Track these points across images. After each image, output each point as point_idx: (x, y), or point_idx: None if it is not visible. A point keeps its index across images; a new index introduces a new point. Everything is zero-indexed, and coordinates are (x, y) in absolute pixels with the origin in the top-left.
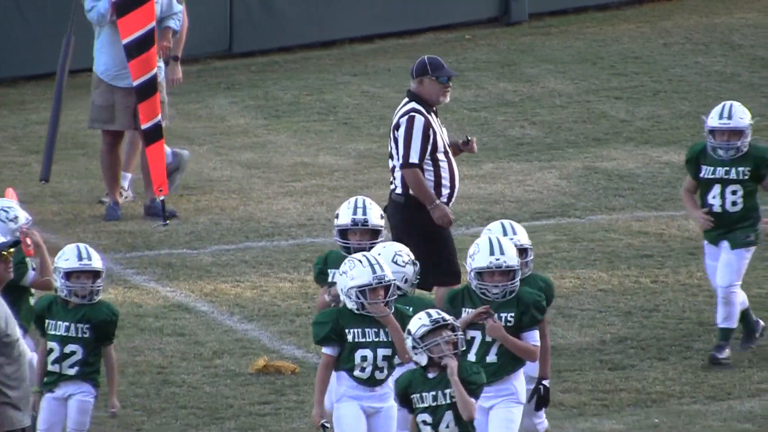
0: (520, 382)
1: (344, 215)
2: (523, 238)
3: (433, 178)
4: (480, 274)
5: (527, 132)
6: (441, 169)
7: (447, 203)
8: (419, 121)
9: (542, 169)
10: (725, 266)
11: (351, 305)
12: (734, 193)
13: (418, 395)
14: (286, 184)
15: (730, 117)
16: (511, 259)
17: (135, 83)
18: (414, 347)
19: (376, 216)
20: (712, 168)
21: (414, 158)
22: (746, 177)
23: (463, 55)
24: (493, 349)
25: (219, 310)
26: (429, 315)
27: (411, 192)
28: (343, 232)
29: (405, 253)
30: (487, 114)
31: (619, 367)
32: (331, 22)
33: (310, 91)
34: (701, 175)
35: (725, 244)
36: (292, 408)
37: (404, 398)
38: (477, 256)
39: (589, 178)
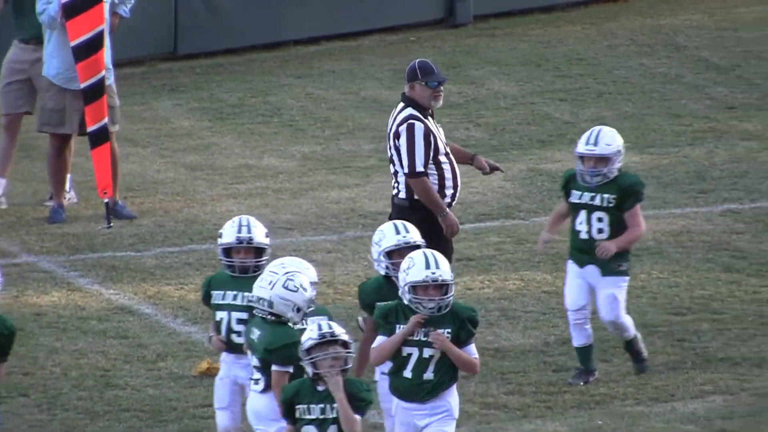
0: (454, 399)
1: (228, 234)
2: (416, 236)
3: (437, 181)
4: (414, 288)
5: (472, 134)
6: (444, 171)
7: (451, 203)
8: (419, 129)
9: None
10: (609, 302)
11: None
12: (600, 220)
13: (305, 406)
14: (231, 186)
15: (596, 143)
16: (446, 273)
17: (83, 85)
18: (302, 359)
19: (260, 234)
20: (579, 193)
21: (419, 167)
22: (611, 204)
23: (408, 57)
24: (431, 366)
25: (163, 313)
26: (320, 328)
27: (415, 197)
28: (227, 251)
29: (298, 278)
30: None
31: (563, 368)
32: (276, 24)
33: (255, 93)
34: (570, 199)
35: (592, 269)
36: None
37: (289, 408)
38: (411, 270)
39: (534, 180)
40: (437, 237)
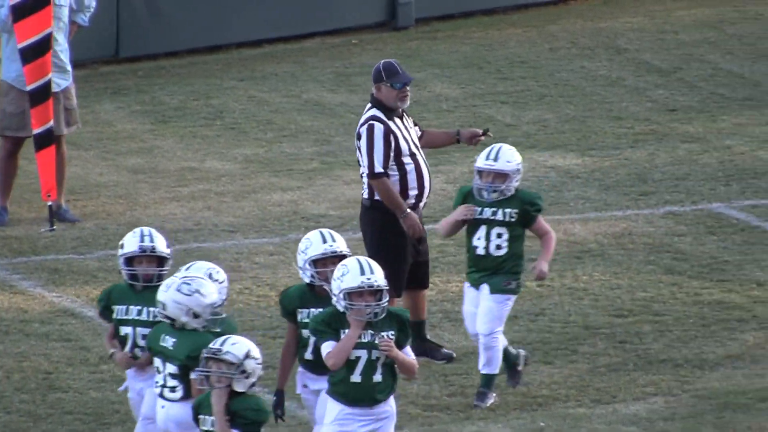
0: (394, 402)
1: (130, 243)
2: (342, 245)
3: (399, 182)
4: (350, 294)
5: None
6: (407, 172)
7: (416, 205)
8: (378, 130)
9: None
10: (486, 313)
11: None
12: (499, 236)
13: (203, 417)
14: (173, 189)
15: (496, 159)
16: (380, 278)
17: (29, 88)
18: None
19: (162, 244)
20: (479, 209)
21: (378, 167)
22: (513, 219)
23: (350, 60)
24: (379, 368)
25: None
26: (214, 342)
27: (376, 197)
28: (129, 260)
29: (196, 282)
30: None
31: (505, 370)
32: (219, 27)
33: (197, 96)
34: None
35: (486, 288)
36: None
37: (195, 418)
38: (346, 277)
39: None
40: (398, 238)
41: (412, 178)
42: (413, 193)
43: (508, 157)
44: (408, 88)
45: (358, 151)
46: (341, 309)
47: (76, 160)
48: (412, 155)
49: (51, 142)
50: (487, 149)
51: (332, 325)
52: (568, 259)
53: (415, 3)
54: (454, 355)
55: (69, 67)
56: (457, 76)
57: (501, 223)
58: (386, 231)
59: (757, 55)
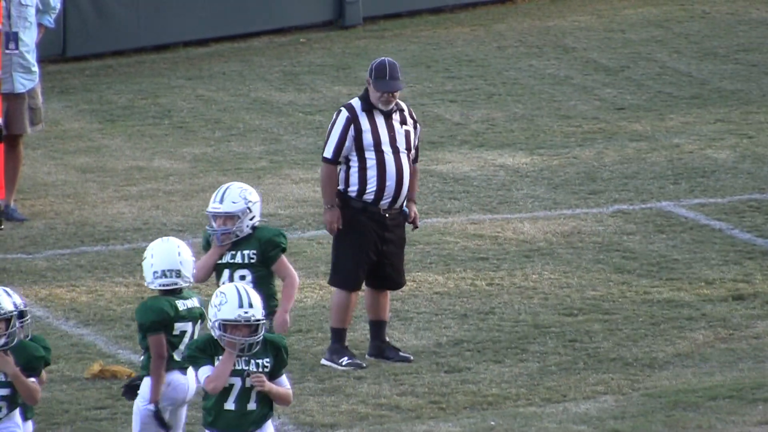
0: (271, 428)
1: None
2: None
3: (357, 173)
4: (224, 325)
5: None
6: (367, 164)
7: (375, 202)
8: (341, 117)
9: None
10: None
11: None
12: (243, 278)
13: None
14: (122, 188)
15: (221, 201)
16: (258, 312)
17: None
18: None
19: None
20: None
21: (327, 153)
22: (253, 260)
23: (298, 59)
24: (253, 396)
25: (54, 315)
26: None
27: (340, 187)
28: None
29: None
30: (322, 117)
31: (455, 369)
32: (165, 26)
33: (145, 95)
34: None
35: None
36: (129, 412)
37: None
38: (224, 307)
39: (425, 182)
40: (355, 233)
41: (372, 174)
42: (371, 188)
43: (234, 197)
44: (392, 94)
45: None
46: (216, 336)
47: (23, 159)
48: (379, 151)
49: (0, 141)
50: (216, 191)
51: (207, 351)
52: (518, 258)
53: (362, 2)
54: (412, 358)
55: (35, 68)
56: (406, 74)
57: (242, 266)
58: (344, 223)
59: (704, 53)
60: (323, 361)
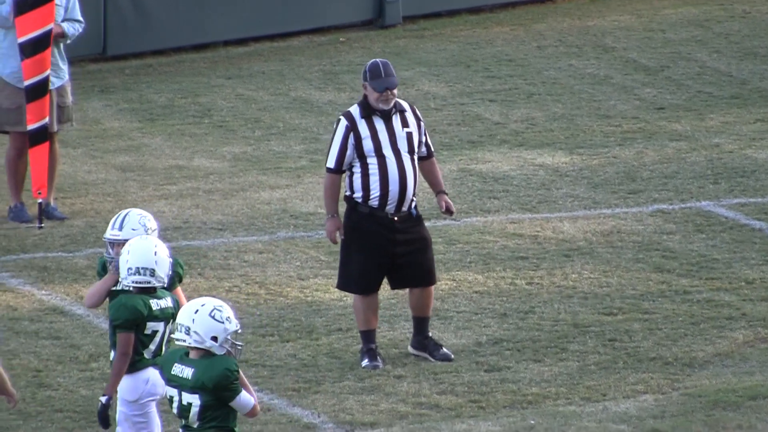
0: None
1: None
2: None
3: (360, 180)
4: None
5: None
6: (369, 170)
7: (381, 207)
8: (341, 127)
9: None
10: None
11: None
12: None
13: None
14: (162, 187)
15: (121, 228)
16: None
17: (26, 83)
18: None
19: None
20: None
21: (330, 163)
22: None
23: (338, 58)
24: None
25: (95, 313)
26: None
27: (347, 192)
28: None
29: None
30: None
31: (494, 368)
32: (205, 25)
33: (185, 94)
34: None
35: None
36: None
37: None
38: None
39: (464, 181)
40: (364, 237)
41: (374, 179)
42: (374, 194)
43: (133, 224)
44: (392, 91)
45: None
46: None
47: (64, 158)
48: (380, 156)
49: (45, 139)
50: (114, 218)
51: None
52: (557, 257)
53: (402, 1)
54: (452, 357)
55: (63, 65)
56: (445, 74)
57: None
58: (351, 227)
59: (744, 53)
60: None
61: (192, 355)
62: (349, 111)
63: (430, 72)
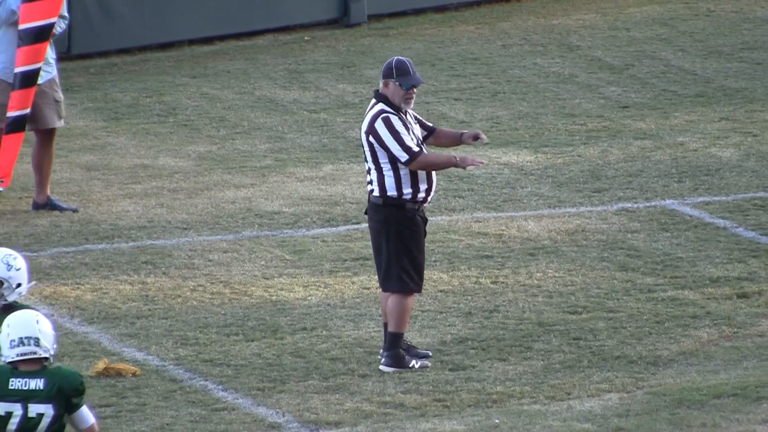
0: None
1: None
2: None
3: (408, 177)
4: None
5: None
6: (402, 172)
7: (426, 199)
8: (395, 120)
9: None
10: None
11: None
12: None
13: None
14: (126, 186)
15: None
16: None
17: (17, 70)
18: None
19: None
20: None
21: (414, 147)
22: None
23: (303, 57)
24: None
25: (59, 313)
26: None
27: (388, 193)
28: None
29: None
30: (327, 116)
31: (459, 367)
32: (170, 24)
33: (150, 93)
34: None
35: None
36: (134, 410)
37: None
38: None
39: None
40: (417, 231)
41: (421, 174)
42: (423, 186)
43: None
44: (415, 90)
45: (366, 146)
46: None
47: (28, 157)
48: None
49: (22, 129)
50: None
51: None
52: (522, 256)
53: (367, 0)
54: (430, 354)
55: (52, 59)
56: None
57: None
58: (404, 226)
59: (708, 51)
60: (385, 368)
61: (25, 368)
62: (385, 109)
63: None
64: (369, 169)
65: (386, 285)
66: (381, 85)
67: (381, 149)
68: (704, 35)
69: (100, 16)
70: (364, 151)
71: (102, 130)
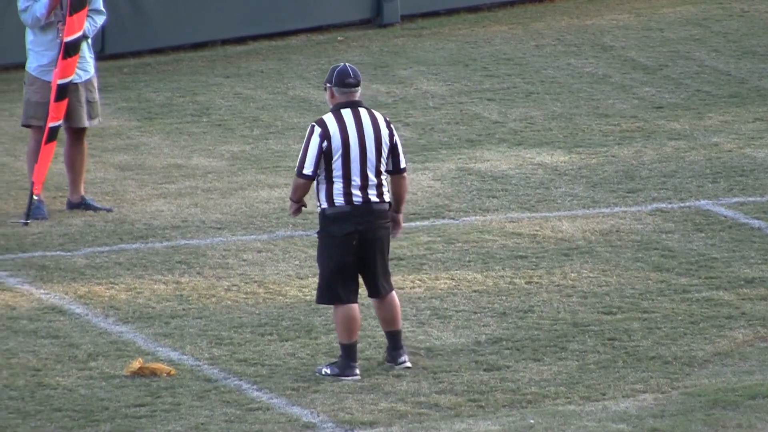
0: None
1: None
2: None
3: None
4: None
5: (401, 133)
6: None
7: None
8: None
9: (416, 170)
10: None
11: None
12: None
13: None
14: (160, 185)
15: None
16: None
17: (60, 81)
18: None
19: None
20: None
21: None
22: None
23: (336, 57)
24: None
25: (93, 313)
26: None
27: (388, 200)
28: None
29: None
30: None
31: (494, 367)
32: (203, 24)
33: (183, 93)
34: None
35: None
36: (168, 410)
37: None
38: None
39: (463, 180)
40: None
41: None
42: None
43: None
44: None
45: (393, 149)
46: None
47: (62, 156)
48: None
49: (55, 138)
50: None
51: None
52: (557, 256)
53: (400, 0)
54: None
55: (90, 59)
56: (443, 73)
57: None
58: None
59: (742, 52)
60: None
61: None
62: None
63: (428, 71)
64: (377, 173)
65: (388, 286)
66: (359, 92)
67: (393, 154)
68: (738, 35)
69: (134, 17)
70: (373, 156)
71: (135, 130)
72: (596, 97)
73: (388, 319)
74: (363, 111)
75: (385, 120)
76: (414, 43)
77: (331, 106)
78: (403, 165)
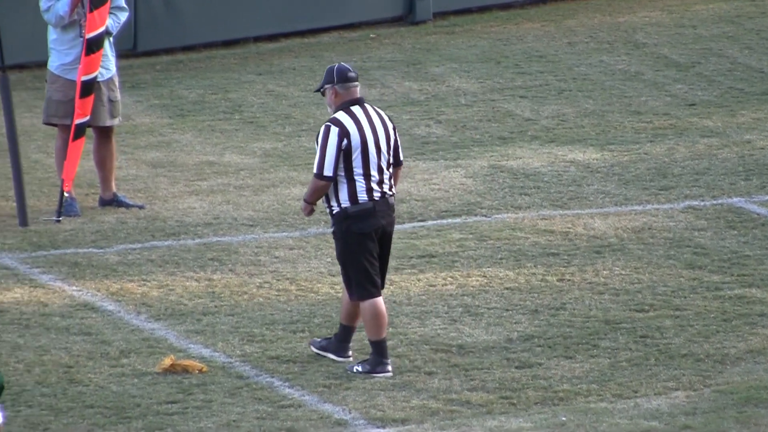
0: None
1: None
2: None
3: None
4: None
5: (433, 131)
6: None
7: None
8: None
9: (448, 167)
10: None
11: None
12: None
13: None
14: (192, 183)
15: None
16: None
17: (84, 78)
18: None
19: None
20: None
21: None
22: None
23: (368, 54)
24: None
25: (125, 309)
26: None
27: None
28: None
29: None
30: (393, 113)
31: (526, 365)
32: (235, 21)
33: (215, 90)
34: None
35: None
36: (200, 407)
37: None
38: None
39: (495, 177)
40: None
41: None
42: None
43: None
44: None
45: (395, 145)
46: None
47: (92, 153)
48: None
49: (83, 135)
50: None
51: None
52: (589, 254)
53: None
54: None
55: (112, 56)
56: (476, 70)
57: None
58: None
59: None
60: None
61: None
62: None
63: (460, 68)
64: (388, 167)
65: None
66: (359, 89)
67: (395, 149)
68: None
69: (166, 14)
70: (385, 151)
71: (168, 127)
72: (629, 94)
73: (354, 315)
74: (369, 107)
75: (386, 115)
76: (446, 41)
77: (334, 107)
78: (402, 157)
